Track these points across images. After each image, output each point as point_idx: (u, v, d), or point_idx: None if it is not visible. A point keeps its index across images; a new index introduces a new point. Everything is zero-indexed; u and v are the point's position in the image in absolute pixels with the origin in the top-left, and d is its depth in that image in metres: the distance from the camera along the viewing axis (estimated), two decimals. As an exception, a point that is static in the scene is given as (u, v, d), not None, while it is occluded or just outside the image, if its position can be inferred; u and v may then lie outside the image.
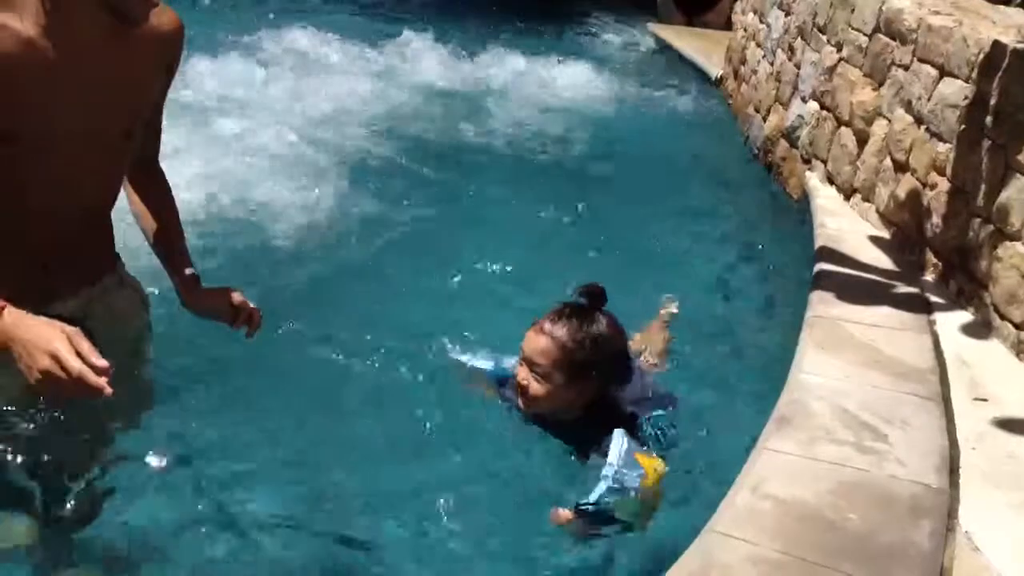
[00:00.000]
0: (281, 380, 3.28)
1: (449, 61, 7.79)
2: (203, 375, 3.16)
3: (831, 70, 5.27)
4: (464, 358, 3.22)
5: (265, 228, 4.61)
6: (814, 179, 5.23)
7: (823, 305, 3.71)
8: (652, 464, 2.72)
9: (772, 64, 6.40)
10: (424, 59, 7.71)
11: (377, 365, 3.36)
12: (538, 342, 2.88)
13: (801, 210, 5.12)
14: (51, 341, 1.86)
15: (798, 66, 5.84)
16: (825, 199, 4.96)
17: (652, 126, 6.98)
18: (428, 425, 3.03)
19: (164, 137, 2.59)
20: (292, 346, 3.45)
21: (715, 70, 8.01)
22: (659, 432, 2.94)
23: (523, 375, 2.91)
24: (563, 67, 7.95)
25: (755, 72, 6.79)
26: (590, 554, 2.64)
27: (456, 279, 4.17)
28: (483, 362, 3.19)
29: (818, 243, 4.37)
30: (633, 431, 2.86)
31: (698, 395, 3.53)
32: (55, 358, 1.85)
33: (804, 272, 4.21)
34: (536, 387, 2.88)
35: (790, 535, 2.36)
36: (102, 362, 1.87)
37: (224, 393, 3.14)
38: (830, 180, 5.10)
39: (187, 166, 4.91)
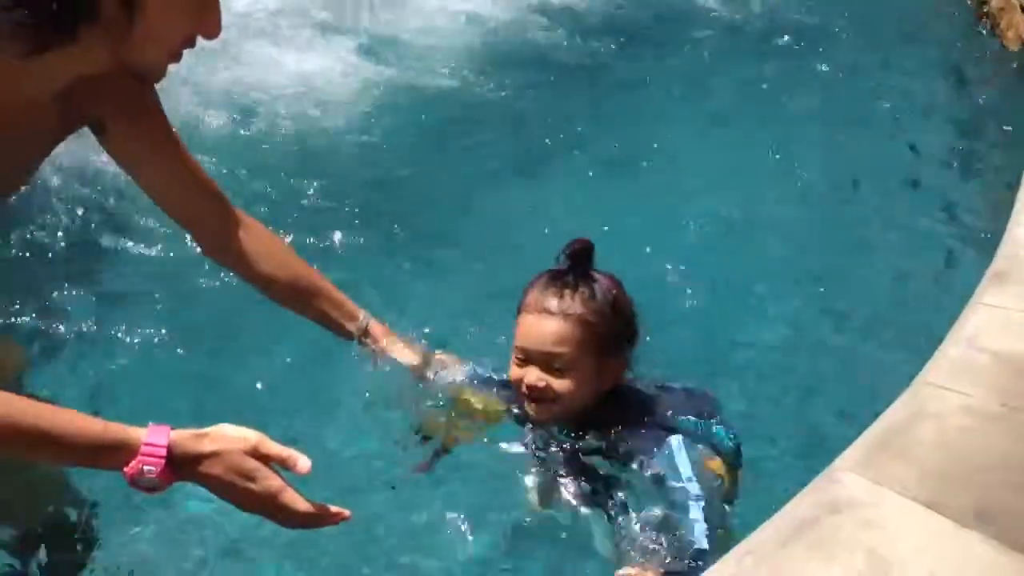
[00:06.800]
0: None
1: None
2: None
3: (1059, -95, 4.81)
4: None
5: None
6: (1036, 27, 4.84)
7: (1045, 158, 3.48)
8: (718, 468, 2.31)
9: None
10: None
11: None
12: (548, 326, 2.27)
13: (1020, 62, 4.78)
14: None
15: (1019, -97, 5.35)
16: (1048, 46, 4.61)
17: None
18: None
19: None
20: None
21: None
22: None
23: (534, 376, 2.29)
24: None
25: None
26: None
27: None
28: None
29: (1041, 92, 4.08)
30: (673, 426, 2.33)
31: (900, 256, 3.41)
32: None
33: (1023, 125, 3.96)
34: (561, 384, 2.27)
35: (1008, 388, 2.27)
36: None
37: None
38: (1054, 28, 4.72)
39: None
